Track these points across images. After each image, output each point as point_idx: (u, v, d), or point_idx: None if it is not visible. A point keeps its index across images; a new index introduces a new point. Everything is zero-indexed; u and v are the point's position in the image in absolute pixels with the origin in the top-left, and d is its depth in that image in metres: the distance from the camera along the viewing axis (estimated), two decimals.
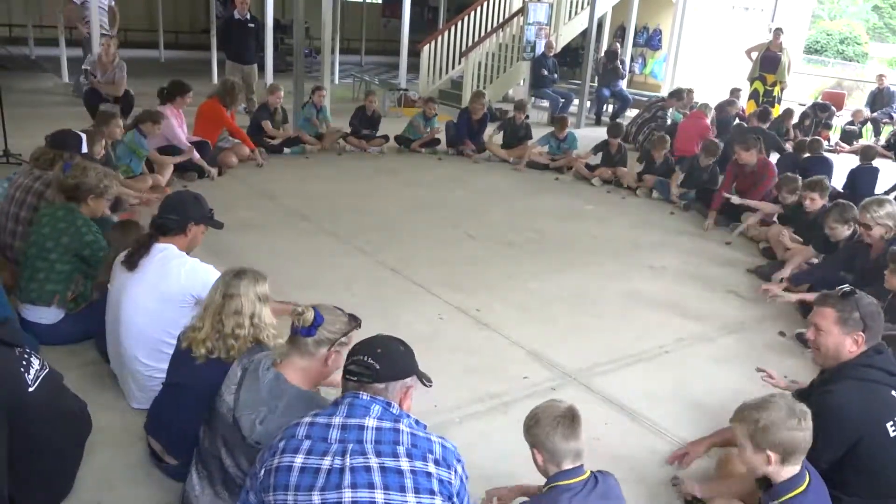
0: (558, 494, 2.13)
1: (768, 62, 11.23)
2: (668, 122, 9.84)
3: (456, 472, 1.85)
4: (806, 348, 3.71)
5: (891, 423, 2.41)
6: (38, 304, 3.42)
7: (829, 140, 10.83)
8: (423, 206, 6.53)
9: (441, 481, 1.80)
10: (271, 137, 7.90)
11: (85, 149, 4.45)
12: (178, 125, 6.67)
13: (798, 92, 14.69)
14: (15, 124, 6.85)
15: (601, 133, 9.00)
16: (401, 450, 1.80)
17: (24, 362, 2.25)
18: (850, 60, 26.44)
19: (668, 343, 4.12)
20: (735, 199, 6.28)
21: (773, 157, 7.81)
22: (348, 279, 4.64)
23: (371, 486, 1.74)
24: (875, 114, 12.26)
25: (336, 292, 4.32)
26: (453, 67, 12.69)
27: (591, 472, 2.20)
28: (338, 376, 2.04)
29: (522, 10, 12.05)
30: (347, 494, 1.74)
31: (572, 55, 15.03)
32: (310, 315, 2.15)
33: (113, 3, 9.96)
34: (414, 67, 13.02)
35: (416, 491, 1.76)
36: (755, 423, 2.14)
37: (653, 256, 5.61)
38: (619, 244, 5.90)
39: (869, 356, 2.54)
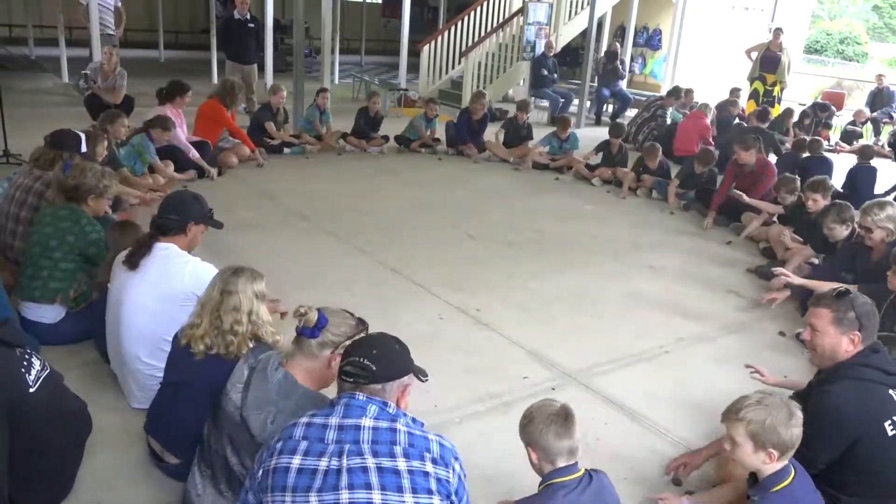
0: (553, 492, 2.15)
1: (768, 62, 11.23)
2: (668, 121, 9.84)
3: (454, 470, 1.85)
4: (806, 348, 3.71)
5: (889, 422, 2.41)
6: (40, 301, 3.43)
7: (828, 140, 10.84)
8: (423, 206, 6.54)
9: (439, 480, 1.80)
10: (272, 137, 7.90)
11: (84, 148, 4.46)
12: (178, 125, 6.67)
13: (798, 92, 14.69)
14: (15, 124, 6.85)
15: (601, 133, 9.00)
16: (398, 450, 1.80)
17: (25, 363, 2.26)
18: (850, 60, 26.45)
19: (668, 343, 4.12)
20: (746, 199, 6.19)
21: (771, 158, 7.80)
22: (348, 279, 4.65)
23: (368, 486, 1.74)
24: (875, 113, 12.27)
25: (336, 292, 4.32)
26: (453, 67, 12.69)
27: (586, 469, 2.22)
28: None
29: (522, 10, 12.05)
30: (345, 495, 1.73)
31: (572, 55, 15.04)
32: (313, 316, 2.15)
33: (119, 3, 9.98)
34: (414, 67, 13.03)
35: (414, 491, 1.76)
36: (761, 423, 2.16)
37: (653, 256, 5.61)
38: (618, 244, 5.90)
39: (865, 355, 2.55)
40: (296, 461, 1.80)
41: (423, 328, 4.01)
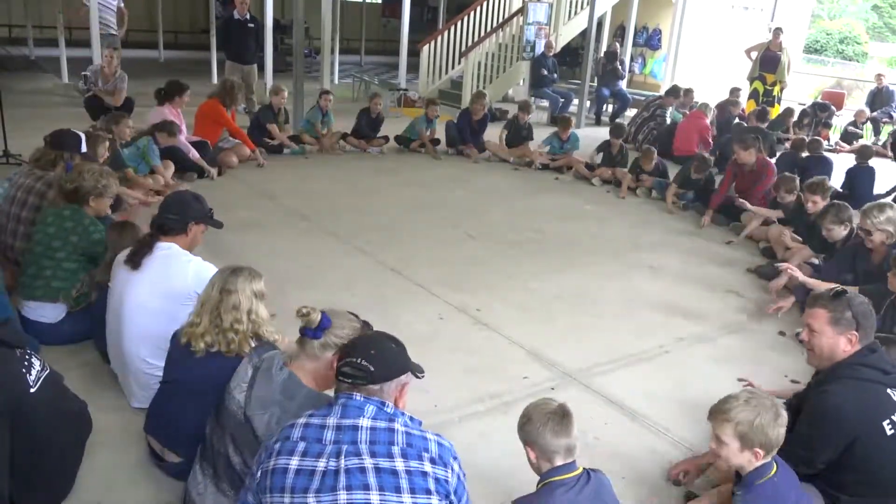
0: (551, 490, 2.16)
1: (768, 62, 11.23)
2: (668, 121, 9.84)
3: (452, 469, 1.85)
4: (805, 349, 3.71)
5: (887, 421, 2.41)
6: (42, 299, 3.44)
7: (828, 139, 10.84)
8: (423, 206, 6.54)
9: (437, 480, 1.80)
10: (272, 138, 7.90)
11: (84, 149, 4.46)
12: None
13: (798, 91, 14.70)
14: (15, 125, 6.85)
15: (601, 133, 9.01)
16: (396, 450, 1.79)
17: (26, 363, 2.26)
18: (850, 60, 26.47)
19: (668, 343, 4.12)
20: (749, 207, 6.16)
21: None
22: (348, 279, 4.65)
23: (366, 487, 1.74)
24: (875, 113, 12.27)
25: (336, 292, 4.33)
26: (453, 67, 12.69)
27: (584, 468, 2.23)
28: None
29: (522, 10, 12.05)
30: (343, 496, 1.73)
31: (572, 55, 15.03)
32: (315, 317, 2.15)
33: (122, 3, 9.98)
34: (414, 67, 13.02)
35: (412, 491, 1.76)
36: (749, 423, 2.18)
37: (653, 256, 5.62)
38: (618, 244, 5.91)
39: (863, 355, 2.55)
40: (294, 462, 1.80)
41: (423, 328, 4.02)
